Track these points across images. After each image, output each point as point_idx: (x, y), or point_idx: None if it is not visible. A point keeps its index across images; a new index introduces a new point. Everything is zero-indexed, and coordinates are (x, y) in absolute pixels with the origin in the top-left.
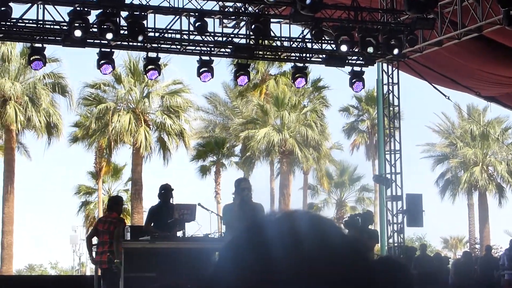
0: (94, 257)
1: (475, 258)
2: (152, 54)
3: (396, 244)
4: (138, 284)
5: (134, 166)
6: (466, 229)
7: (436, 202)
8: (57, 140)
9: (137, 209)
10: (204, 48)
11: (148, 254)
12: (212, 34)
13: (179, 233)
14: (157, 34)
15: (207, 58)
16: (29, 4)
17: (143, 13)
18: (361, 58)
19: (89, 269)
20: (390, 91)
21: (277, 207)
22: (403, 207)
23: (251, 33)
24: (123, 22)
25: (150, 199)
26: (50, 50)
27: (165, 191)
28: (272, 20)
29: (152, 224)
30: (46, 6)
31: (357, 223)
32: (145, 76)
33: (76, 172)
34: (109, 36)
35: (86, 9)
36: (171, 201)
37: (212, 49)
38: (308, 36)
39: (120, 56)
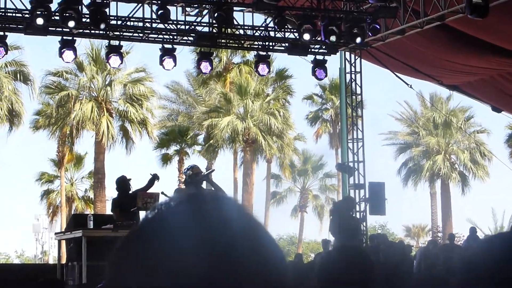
0: None
1: (440, 247)
2: (115, 42)
3: None
4: (101, 273)
5: (96, 155)
6: (429, 217)
7: (399, 190)
8: (19, 128)
9: (99, 197)
10: (167, 36)
11: (111, 243)
12: (175, 22)
13: None
14: (119, 22)
15: (169, 46)
16: None
17: (105, 1)
18: (323, 47)
19: (52, 257)
20: (352, 80)
21: (240, 195)
22: (365, 195)
23: (214, 21)
24: (85, 10)
25: (113, 188)
26: (12, 38)
27: (122, 183)
28: (235, 8)
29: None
30: None
31: (342, 208)
32: (108, 64)
33: (39, 161)
34: (71, 24)
35: None
36: (130, 192)
37: (175, 37)
38: (271, 24)
39: (82, 44)
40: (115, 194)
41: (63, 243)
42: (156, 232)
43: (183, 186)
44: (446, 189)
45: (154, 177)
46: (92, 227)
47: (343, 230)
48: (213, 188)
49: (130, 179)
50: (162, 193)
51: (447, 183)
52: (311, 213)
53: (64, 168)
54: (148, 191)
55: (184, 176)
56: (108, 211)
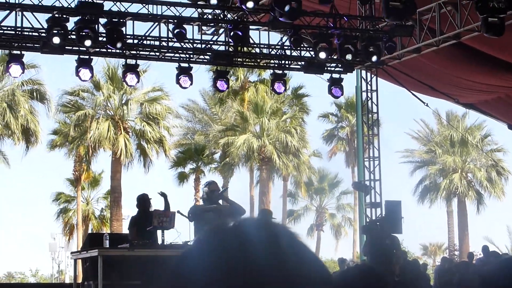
0: None
1: (456, 265)
2: (131, 61)
3: None
4: None
5: (113, 174)
6: (446, 235)
7: (415, 208)
8: (35, 147)
9: (116, 216)
10: (183, 55)
11: (127, 262)
12: (191, 41)
13: (167, 240)
14: (135, 41)
15: (186, 65)
16: (8, 11)
17: (121, 20)
18: (339, 65)
19: (68, 277)
20: (369, 98)
21: (256, 214)
22: (382, 214)
23: (230, 40)
24: (101, 29)
25: (129, 206)
26: (29, 56)
27: (143, 201)
28: (251, 27)
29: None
30: (24, 13)
31: (376, 228)
32: (124, 83)
33: (55, 180)
34: (88, 43)
35: (64, 16)
36: (150, 210)
37: (191, 56)
38: (287, 43)
39: (99, 63)
40: (132, 212)
41: (79, 262)
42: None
43: (200, 203)
44: (462, 207)
45: (163, 195)
46: (108, 246)
47: (375, 253)
48: (228, 205)
49: (151, 198)
50: (178, 211)
51: (464, 201)
52: (327, 231)
53: (81, 187)
54: (164, 210)
55: (201, 193)
56: (125, 230)
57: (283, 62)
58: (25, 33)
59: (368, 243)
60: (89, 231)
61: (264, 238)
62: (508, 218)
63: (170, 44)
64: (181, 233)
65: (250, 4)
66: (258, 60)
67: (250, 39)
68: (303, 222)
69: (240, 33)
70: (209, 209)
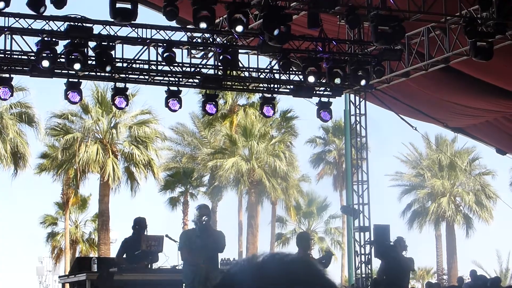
0: None
1: None
2: (120, 84)
3: (363, 275)
4: None
5: (101, 197)
6: (434, 260)
7: (404, 232)
8: (23, 171)
9: (104, 240)
10: (172, 79)
11: (115, 286)
12: (180, 64)
13: (155, 265)
14: (125, 65)
15: (175, 88)
16: None
17: (111, 44)
18: (328, 89)
19: None
20: (357, 122)
21: (245, 238)
22: (370, 238)
23: (219, 63)
24: (91, 52)
25: (117, 230)
26: (17, 79)
27: (139, 226)
28: (240, 51)
29: (124, 255)
30: (13, 36)
31: (394, 251)
32: (113, 106)
33: (43, 203)
34: (77, 66)
35: (54, 39)
36: (145, 234)
37: (180, 79)
38: (276, 67)
39: (88, 86)
40: (120, 236)
41: (67, 286)
42: None
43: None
44: (451, 231)
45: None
46: (96, 270)
47: (388, 274)
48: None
49: (147, 225)
50: (167, 235)
51: (452, 225)
52: (316, 255)
53: (69, 210)
54: (152, 234)
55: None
56: (113, 253)
57: (272, 85)
58: (14, 56)
59: (385, 265)
60: (77, 255)
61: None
62: (496, 242)
63: (160, 67)
64: (169, 257)
65: (239, 28)
66: (247, 84)
67: (239, 62)
68: (292, 245)
69: (229, 57)
70: (195, 237)
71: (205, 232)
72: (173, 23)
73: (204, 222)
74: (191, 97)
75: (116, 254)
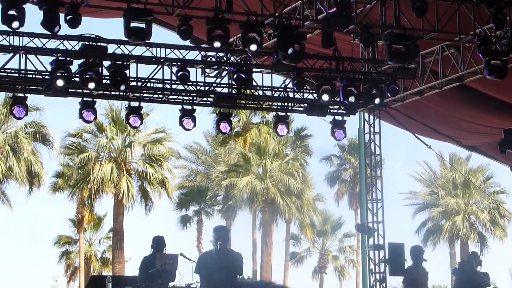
0: None
1: None
2: (135, 103)
3: None
4: None
5: (115, 216)
6: (449, 278)
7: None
8: (39, 189)
9: (118, 258)
10: (187, 98)
11: None
12: (195, 83)
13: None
14: (139, 84)
15: (189, 107)
16: (11, 54)
17: (125, 63)
18: (342, 107)
19: None
20: (371, 140)
21: (259, 256)
22: (385, 256)
23: (233, 82)
24: (105, 72)
25: (131, 248)
26: (32, 98)
27: (157, 245)
28: (254, 69)
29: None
30: (28, 55)
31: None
32: (127, 125)
33: (57, 222)
34: (91, 85)
35: (68, 58)
36: (160, 252)
37: (195, 98)
38: (290, 85)
39: (102, 105)
40: (134, 254)
41: None
42: None
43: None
44: (465, 249)
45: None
46: None
47: None
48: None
49: (166, 245)
50: (181, 254)
51: (467, 243)
52: (330, 274)
53: (83, 228)
54: (167, 253)
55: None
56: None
57: (286, 104)
58: (28, 75)
59: (459, 280)
60: (91, 273)
61: None
62: (510, 260)
63: (174, 86)
64: (184, 276)
65: (253, 47)
66: (261, 102)
67: (253, 81)
68: (306, 264)
69: (243, 76)
70: (211, 260)
71: (221, 254)
72: (187, 42)
73: (218, 247)
74: (205, 115)
75: (138, 274)
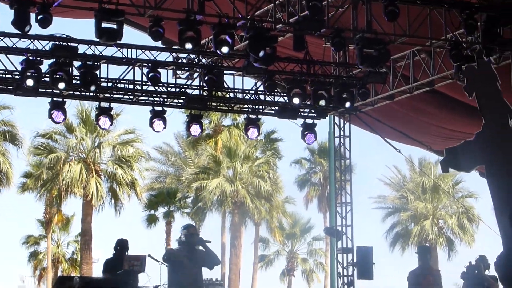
0: None
1: None
2: (105, 104)
3: None
4: None
5: (84, 216)
6: None
7: (387, 254)
8: (7, 189)
9: (86, 259)
10: (157, 99)
11: None
12: (165, 84)
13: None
14: (110, 84)
15: (160, 108)
16: None
17: (96, 63)
18: (313, 111)
19: None
20: (341, 144)
21: (228, 259)
22: (353, 260)
23: (204, 84)
24: (75, 72)
25: (100, 249)
26: (1, 97)
27: (120, 247)
28: (225, 72)
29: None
30: None
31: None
32: (97, 126)
33: (25, 222)
34: (62, 85)
35: (38, 58)
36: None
37: (165, 99)
38: (261, 88)
39: (72, 106)
40: (102, 255)
41: None
42: None
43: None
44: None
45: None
46: None
47: None
48: (204, 250)
49: (128, 248)
50: (149, 255)
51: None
52: (299, 276)
53: (51, 229)
54: (134, 254)
55: (180, 235)
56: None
57: (257, 107)
58: None
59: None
60: (59, 274)
61: None
62: None
63: (144, 87)
64: (151, 277)
65: (225, 49)
66: (232, 105)
67: (225, 83)
68: (275, 267)
69: (214, 78)
70: (183, 256)
71: (193, 251)
72: (159, 44)
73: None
74: (176, 116)
75: (103, 276)
